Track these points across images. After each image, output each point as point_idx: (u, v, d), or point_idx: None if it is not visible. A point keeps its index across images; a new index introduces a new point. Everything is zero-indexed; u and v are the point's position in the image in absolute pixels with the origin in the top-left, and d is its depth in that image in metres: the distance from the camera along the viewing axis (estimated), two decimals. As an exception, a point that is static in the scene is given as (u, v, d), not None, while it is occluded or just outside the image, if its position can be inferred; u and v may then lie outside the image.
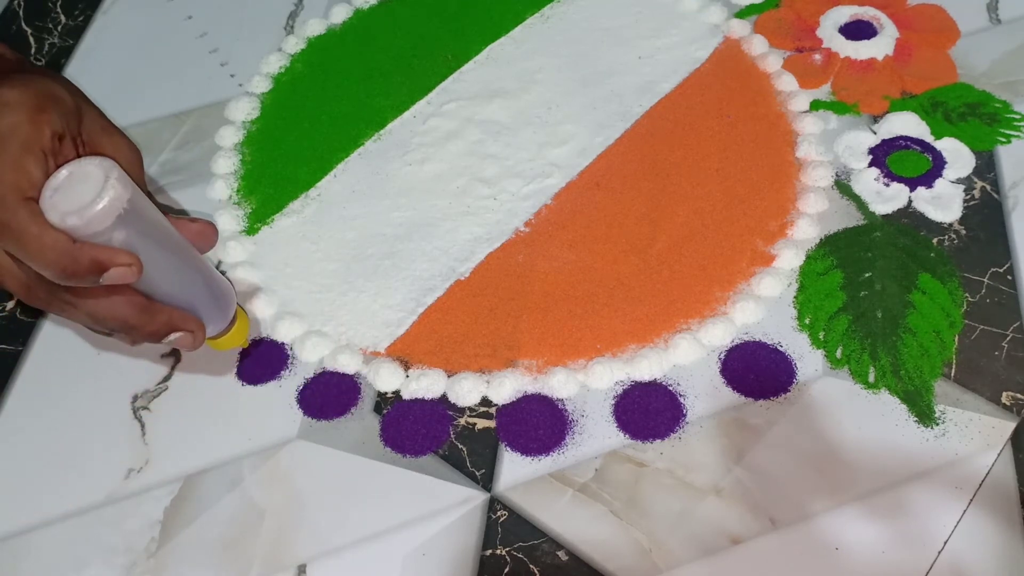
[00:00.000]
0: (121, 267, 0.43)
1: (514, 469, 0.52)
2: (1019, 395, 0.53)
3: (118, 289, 0.45)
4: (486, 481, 0.52)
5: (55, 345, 0.59)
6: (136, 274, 0.43)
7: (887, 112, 0.66)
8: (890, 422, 0.52)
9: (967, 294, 0.57)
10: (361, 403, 0.55)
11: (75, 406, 0.56)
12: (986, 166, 0.63)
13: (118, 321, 0.46)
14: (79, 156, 0.45)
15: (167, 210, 0.55)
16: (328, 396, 0.56)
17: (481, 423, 0.54)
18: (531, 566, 0.49)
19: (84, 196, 0.42)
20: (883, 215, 0.61)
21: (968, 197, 0.61)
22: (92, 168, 0.43)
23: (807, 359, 0.55)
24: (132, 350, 0.58)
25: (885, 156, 0.64)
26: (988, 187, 0.62)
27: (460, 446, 0.53)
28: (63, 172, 0.43)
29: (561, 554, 0.49)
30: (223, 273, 0.58)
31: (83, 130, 0.46)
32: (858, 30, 0.71)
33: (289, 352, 0.58)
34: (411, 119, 0.69)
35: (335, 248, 0.63)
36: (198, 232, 0.49)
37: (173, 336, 0.48)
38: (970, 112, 0.65)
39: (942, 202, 0.61)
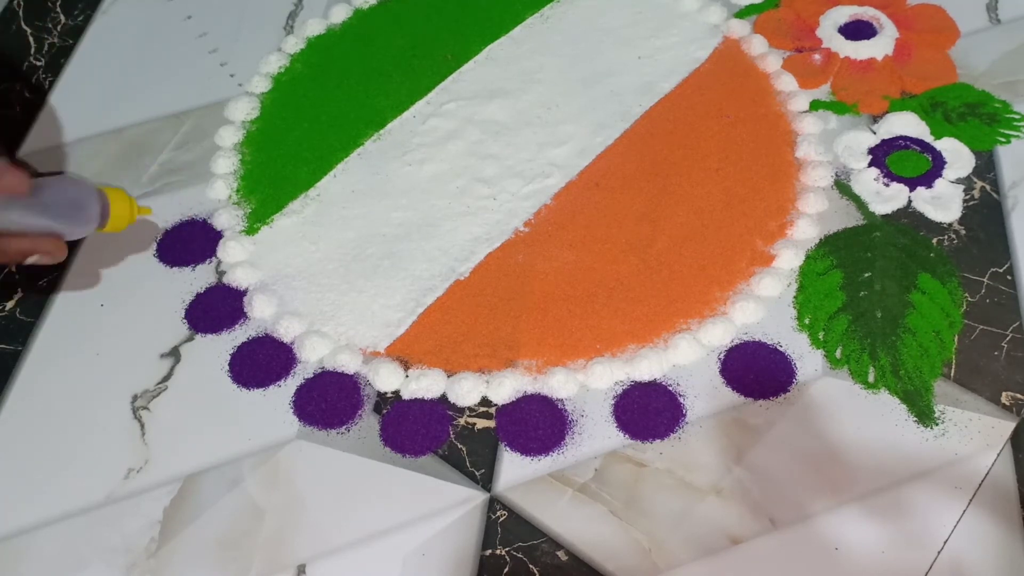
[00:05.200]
0: (44, 253, 0.51)
1: (514, 469, 0.52)
2: (1019, 395, 0.53)
3: None
4: (486, 481, 0.52)
5: (55, 345, 0.59)
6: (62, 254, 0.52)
7: (887, 112, 0.66)
8: (890, 422, 0.52)
9: (967, 294, 0.57)
10: (360, 413, 0.55)
11: (75, 406, 0.56)
12: (986, 166, 0.63)
13: None
14: None
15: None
16: (327, 404, 0.55)
17: (481, 423, 0.54)
18: (531, 566, 0.49)
19: None
20: (883, 215, 0.61)
21: (968, 197, 0.61)
22: None
23: (807, 359, 0.55)
24: (132, 350, 0.58)
25: (885, 156, 0.64)
26: (988, 187, 0.62)
27: (460, 446, 0.53)
28: None
29: (561, 554, 0.49)
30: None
31: None
32: (858, 30, 0.71)
33: (295, 355, 0.58)
34: (411, 119, 0.69)
35: (335, 248, 0.63)
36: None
37: (32, 259, 0.52)
38: (970, 112, 0.65)
39: (942, 202, 0.61)
